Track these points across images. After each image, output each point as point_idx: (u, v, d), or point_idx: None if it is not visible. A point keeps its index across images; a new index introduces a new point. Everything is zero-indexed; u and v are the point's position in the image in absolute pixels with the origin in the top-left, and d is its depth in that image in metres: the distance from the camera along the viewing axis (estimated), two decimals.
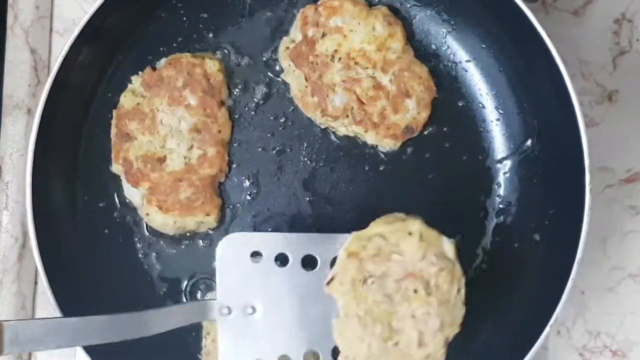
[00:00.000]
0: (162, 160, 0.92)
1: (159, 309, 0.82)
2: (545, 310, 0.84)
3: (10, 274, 1.00)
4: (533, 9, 0.92)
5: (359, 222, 0.93)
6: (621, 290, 1.00)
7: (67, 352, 1.01)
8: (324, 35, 0.92)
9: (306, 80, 0.93)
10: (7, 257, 1.00)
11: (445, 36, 0.95)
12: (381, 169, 0.95)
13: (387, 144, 0.94)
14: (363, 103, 0.92)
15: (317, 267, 0.82)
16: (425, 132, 0.95)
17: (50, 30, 1.05)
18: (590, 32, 1.02)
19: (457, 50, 0.95)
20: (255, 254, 0.82)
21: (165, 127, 0.93)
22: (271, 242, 0.82)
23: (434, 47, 0.95)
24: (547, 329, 0.83)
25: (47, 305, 1.01)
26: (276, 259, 0.82)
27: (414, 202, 0.93)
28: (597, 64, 1.02)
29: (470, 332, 0.91)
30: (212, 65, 0.93)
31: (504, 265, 0.93)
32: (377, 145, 0.94)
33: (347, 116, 0.93)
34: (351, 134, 0.94)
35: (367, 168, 0.95)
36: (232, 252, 0.82)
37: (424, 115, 0.93)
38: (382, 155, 0.95)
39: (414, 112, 0.92)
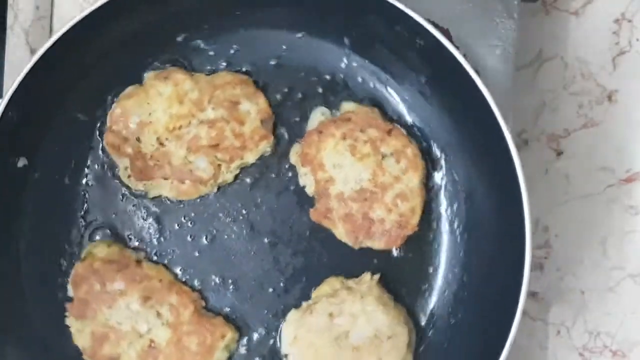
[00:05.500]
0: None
1: None
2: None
3: None
4: (533, 9, 0.92)
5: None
6: (621, 290, 0.99)
7: None
8: None
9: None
10: None
11: None
12: None
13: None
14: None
15: None
16: None
17: (50, 30, 1.05)
18: (590, 32, 1.01)
19: None
20: None
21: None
22: None
23: None
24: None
25: None
26: None
27: None
28: (597, 64, 1.01)
29: None
30: None
31: None
32: None
33: None
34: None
35: None
36: None
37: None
38: None
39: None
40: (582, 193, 0.99)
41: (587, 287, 0.99)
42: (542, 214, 0.99)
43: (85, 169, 0.92)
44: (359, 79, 0.91)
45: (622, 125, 1.00)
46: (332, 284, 0.89)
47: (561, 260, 0.99)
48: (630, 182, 0.99)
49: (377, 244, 0.89)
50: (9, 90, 0.83)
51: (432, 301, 0.91)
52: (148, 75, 0.90)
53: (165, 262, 0.91)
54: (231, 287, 0.91)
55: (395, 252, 0.90)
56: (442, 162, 0.91)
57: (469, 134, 0.88)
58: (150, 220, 0.92)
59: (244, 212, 0.92)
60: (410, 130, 0.91)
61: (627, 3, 1.01)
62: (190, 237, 0.91)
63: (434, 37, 0.81)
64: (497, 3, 0.91)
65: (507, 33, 0.91)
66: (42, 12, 1.03)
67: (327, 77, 0.92)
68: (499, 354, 0.80)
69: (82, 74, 0.89)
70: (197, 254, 0.91)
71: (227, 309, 0.91)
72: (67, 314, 0.89)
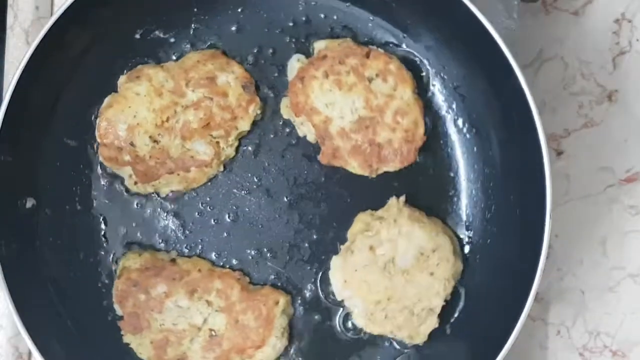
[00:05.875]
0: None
1: None
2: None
3: None
4: (533, 9, 0.90)
5: None
6: (621, 290, 0.99)
7: None
8: None
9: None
10: None
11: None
12: None
13: None
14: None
15: None
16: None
17: None
18: (590, 32, 1.00)
19: None
20: None
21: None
22: None
23: None
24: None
25: None
26: None
27: None
28: (597, 64, 1.00)
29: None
30: None
31: None
32: None
33: None
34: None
35: None
36: None
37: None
38: None
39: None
40: (582, 193, 0.99)
41: (587, 287, 0.99)
42: None
43: (93, 191, 0.92)
44: (322, 16, 0.91)
45: (622, 125, 0.99)
46: (362, 219, 0.89)
47: (561, 260, 0.99)
48: (630, 182, 0.99)
49: (393, 166, 0.89)
50: None
51: (463, 204, 0.91)
52: (120, 81, 0.90)
53: (198, 252, 0.92)
54: (268, 255, 0.91)
55: (413, 169, 0.90)
56: (427, 67, 0.91)
57: (446, 31, 0.88)
58: (171, 217, 0.92)
59: (255, 180, 0.92)
60: (386, 48, 0.90)
61: (627, 3, 1.00)
62: (214, 221, 0.92)
63: None
64: (497, 3, 0.91)
65: (507, 33, 0.91)
66: (42, 12, 1.01)
67: (290, 24, 0.91)
68: (541, 229, 0.80)
69: (58, 90, 0.89)
70: (225, 234, 0.92)
71: (272, 277, 0.91)
72: (122, 332, 0.89)
